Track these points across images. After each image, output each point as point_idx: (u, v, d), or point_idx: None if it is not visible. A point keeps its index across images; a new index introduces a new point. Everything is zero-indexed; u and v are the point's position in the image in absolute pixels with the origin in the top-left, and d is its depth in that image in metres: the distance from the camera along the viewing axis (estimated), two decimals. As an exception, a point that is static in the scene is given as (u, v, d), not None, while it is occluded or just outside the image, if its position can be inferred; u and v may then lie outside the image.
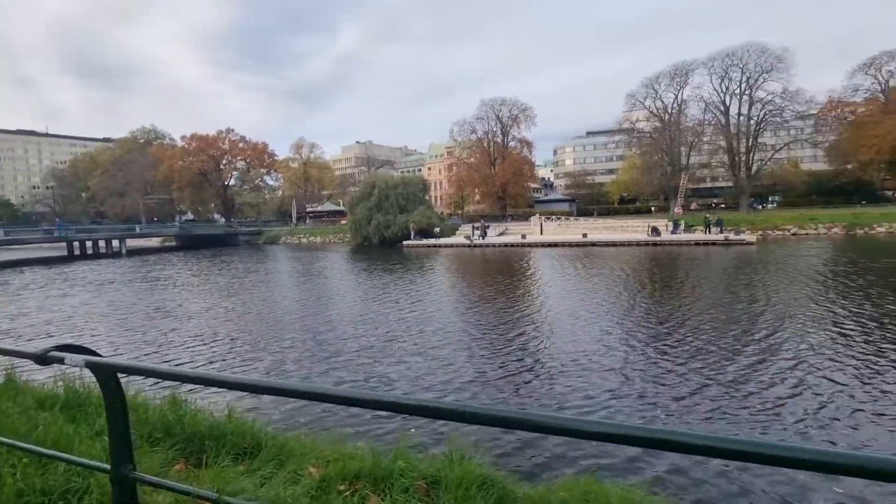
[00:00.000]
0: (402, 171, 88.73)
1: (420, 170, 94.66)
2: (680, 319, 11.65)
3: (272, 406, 6.67)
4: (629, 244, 34.12)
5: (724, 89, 51.08)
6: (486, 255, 32.48)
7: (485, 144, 60.61)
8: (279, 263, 32.99)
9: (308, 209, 70.71)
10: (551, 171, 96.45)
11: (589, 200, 67.34)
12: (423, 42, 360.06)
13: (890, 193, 46.85)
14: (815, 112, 49.66)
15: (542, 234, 42.10)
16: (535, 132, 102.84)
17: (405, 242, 42.54)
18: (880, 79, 45.70)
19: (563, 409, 6.72)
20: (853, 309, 11.92)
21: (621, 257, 27.03)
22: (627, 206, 61.93)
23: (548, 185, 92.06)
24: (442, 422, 4.99)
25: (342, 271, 26.46)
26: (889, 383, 7.14)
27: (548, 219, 48.01)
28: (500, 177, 56.55)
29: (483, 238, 41.44)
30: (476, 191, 63.05)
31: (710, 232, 35.06)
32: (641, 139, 57.43)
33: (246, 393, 5.90)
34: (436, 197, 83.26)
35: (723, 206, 52.34)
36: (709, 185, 61.94)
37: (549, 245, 36.38)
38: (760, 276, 18.22)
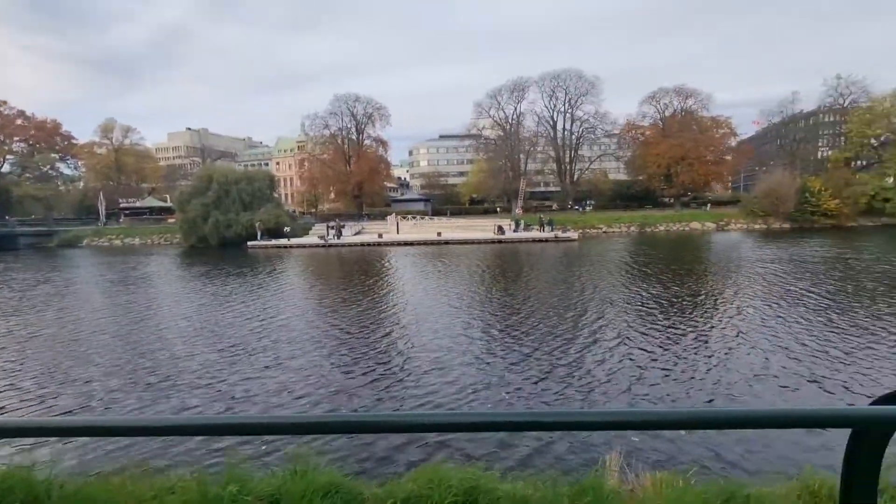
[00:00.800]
0: (246, 165, 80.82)
1: (267, 164, 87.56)
2: (526, 309, 13.02)
3: (72, 450, 5.38)
4: (479, 242, 36.87)
5: (552, 107, 59.09)
6: (343, 256, 31.63)
7: (339, 141, 58.92)
8: (83, 271, 27.00)
9: (123, 205, 59.28)
10: (407, 171, 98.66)
11: (443, 200, 70.72)
12: (270, 27, 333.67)
13: (667, 200, 59.72)
14: (617, 132, 60.65)
15: (398, 233, 42.75)
16: (390, 132, 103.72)
17: (250, 243, 38.83)
18: (659, 109, 58.01)
19: (429, 405, 6.88)
20: (652, 291, 14.87)
21: (473, 254, 29.03)
22: (477, 206, 66.79)
23: (404, 185, 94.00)
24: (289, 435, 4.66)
25: (173, 278, 22.89)
26: (683, 349, 9.07)
27: (404, 218, 48.99)
28: (355, 175, 55.60)
29: (338, 238, 40.26)
30: (331, 189, 60.90)
31: (544, 230, 40.01)
32: (487, 145, 62.74)
33: (27, 438, 4.62)
34: (286, 194, 78.03)
35: (589, 206, 59.79)
36: (543, 189, 70.66)
37: (406, 244, 37.15)
38: (585, 268, 21.53)
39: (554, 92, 57.87)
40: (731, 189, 72.66)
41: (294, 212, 60.15)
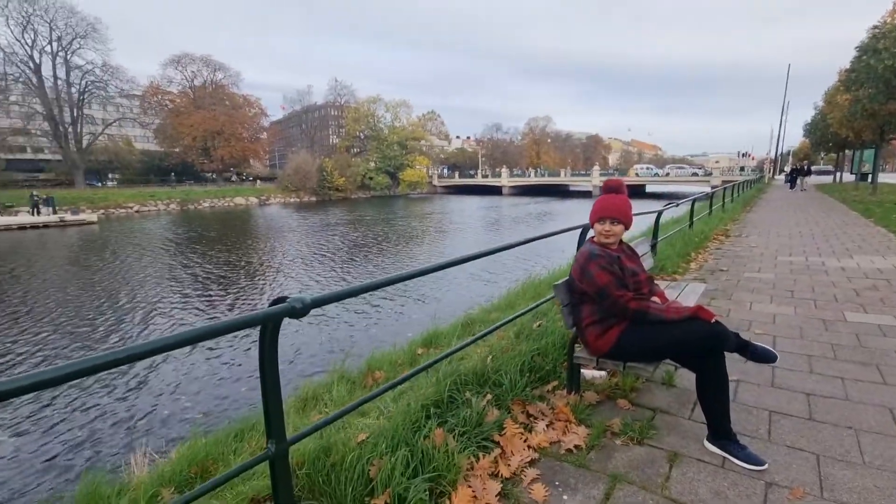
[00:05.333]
0: None
1: None
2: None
3: None
4: None
5: (29, 42, 42.45)
6: None
7: None
8: None
9: None
10: None
11: None
12: None
13: (209, 175, 57.16)
14: (139, 93, 51.41)
15: None
16: None
17: None
18: (187, 76, 53.66)
19: None
20: (207, 271, 13.42)
21: None
22: None
23: None
24: None
25: None
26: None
27: None
28: None
29: None
30: None
31: (39, 213, 29.07)
32: None
33: None
34: None
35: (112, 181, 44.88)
36: (31, 156, 51.26)
37: None
38: (111, 256, 17.05)
39: (30, 22, 41.63)
40: (269, 166, 78.77)
41: None
